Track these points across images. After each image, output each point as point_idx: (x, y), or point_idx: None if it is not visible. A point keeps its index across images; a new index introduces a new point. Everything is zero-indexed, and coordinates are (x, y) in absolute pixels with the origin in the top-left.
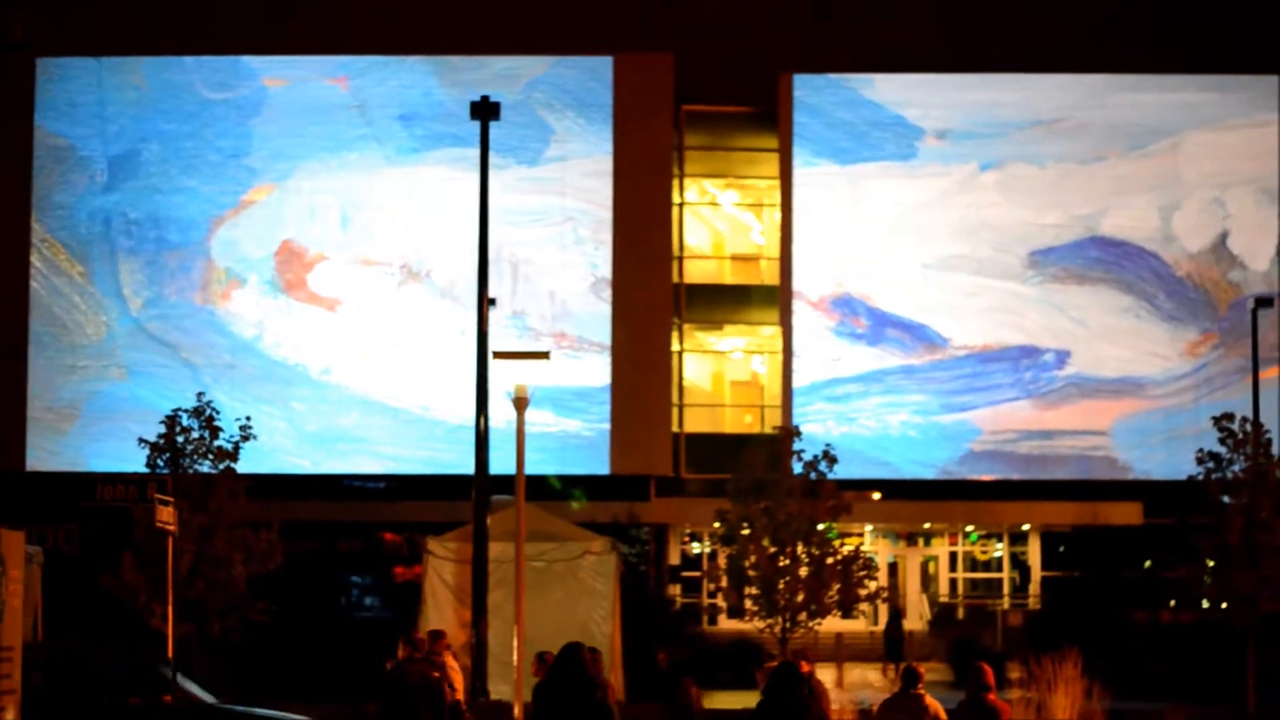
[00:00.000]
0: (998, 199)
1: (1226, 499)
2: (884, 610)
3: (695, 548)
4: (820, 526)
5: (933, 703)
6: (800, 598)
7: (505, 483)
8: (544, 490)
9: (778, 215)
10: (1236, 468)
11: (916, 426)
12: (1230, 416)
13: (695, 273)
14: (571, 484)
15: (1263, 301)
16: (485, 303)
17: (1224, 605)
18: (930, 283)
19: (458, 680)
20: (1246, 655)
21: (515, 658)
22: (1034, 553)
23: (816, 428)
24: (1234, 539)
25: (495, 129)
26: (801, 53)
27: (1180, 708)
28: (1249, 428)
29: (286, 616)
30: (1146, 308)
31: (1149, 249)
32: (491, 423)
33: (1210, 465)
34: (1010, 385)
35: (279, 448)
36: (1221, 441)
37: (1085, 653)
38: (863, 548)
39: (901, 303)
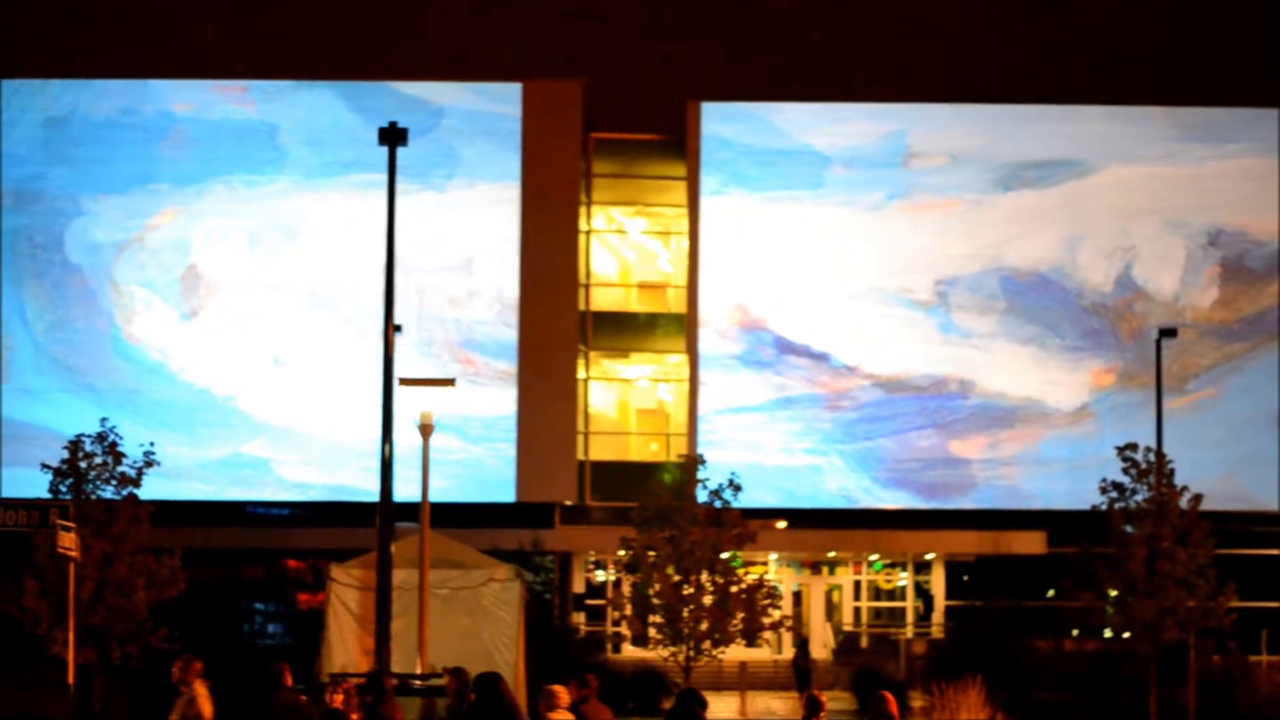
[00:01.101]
0: (904, 229)
1: (1129, 528)
2: (788, 639)
3: (600, 575)
4: (724, 555)
5: None
6: (704, 626)
7: (411, 510)
8: (448, 517)
9: (685, 243)
10: (1139, 497)
11: (822, 455)
12: (1134, 446)
13: (602, 300)
14: (476, 511)
15: (1166, 332)
16: (391, 329)
17: (1126, 634)
18: (837, 312)
19: None
20: (1149, 684)
21: (418, 686)
22: (938, 581)
23: (722, 456)
24: (1136, 568)
25: (403, 155)
26: (710, 81)
27: None
28: (1152, 457)
29: (188, 643)
30: (1052, 338)
31: (1054, 280)
32: (397, 449)
33: (1114, 495)
34: (915, 414)
35: (183, 473)
36: (1125, 471)
37: (988, 682)
38: (767, 576)
39: (808, 332)
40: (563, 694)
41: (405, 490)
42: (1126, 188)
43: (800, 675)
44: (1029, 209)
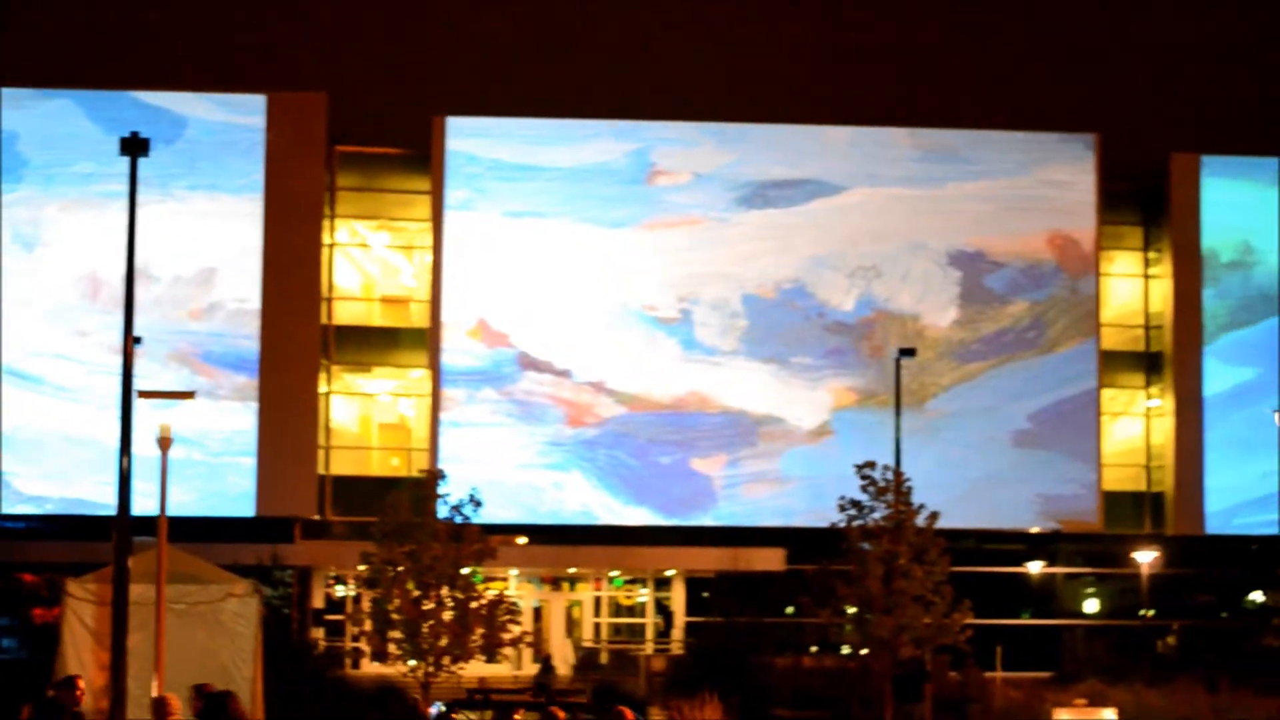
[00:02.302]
0: (648, 246)
1: (867, 546)
2: (529, 654)
3: (340, 591)
4: (465, 570)
5: None
6: (444, 641)
7: (149, 524)
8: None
9: (429, 258)
10: (877, 515)
11: (563, 471)
12: (872, 464)
13: (345, 314)
14: (216, 526)
15: (905, 352)
16: (130, 340)
17: (864, 651)
18: (580, 328)
19: None
20: (885, 700)
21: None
22: (678, 598)
23: (463, 471)
24: (874, 585)
25: (145, 165)
26: (456, 96)
27: None
28: (890, 475)
29: None
30: (793, 356)
31: (796, 298)
32: (136, 462)
33: (852, 512)
34: (657, 431)
35: None
36: (863, 489)
37: (727, 698)
38: (507, 592)
39: (551, 348)
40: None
41: (144, 504)
42: (869, 208)
43: (542, 691)
44: (772, 228)
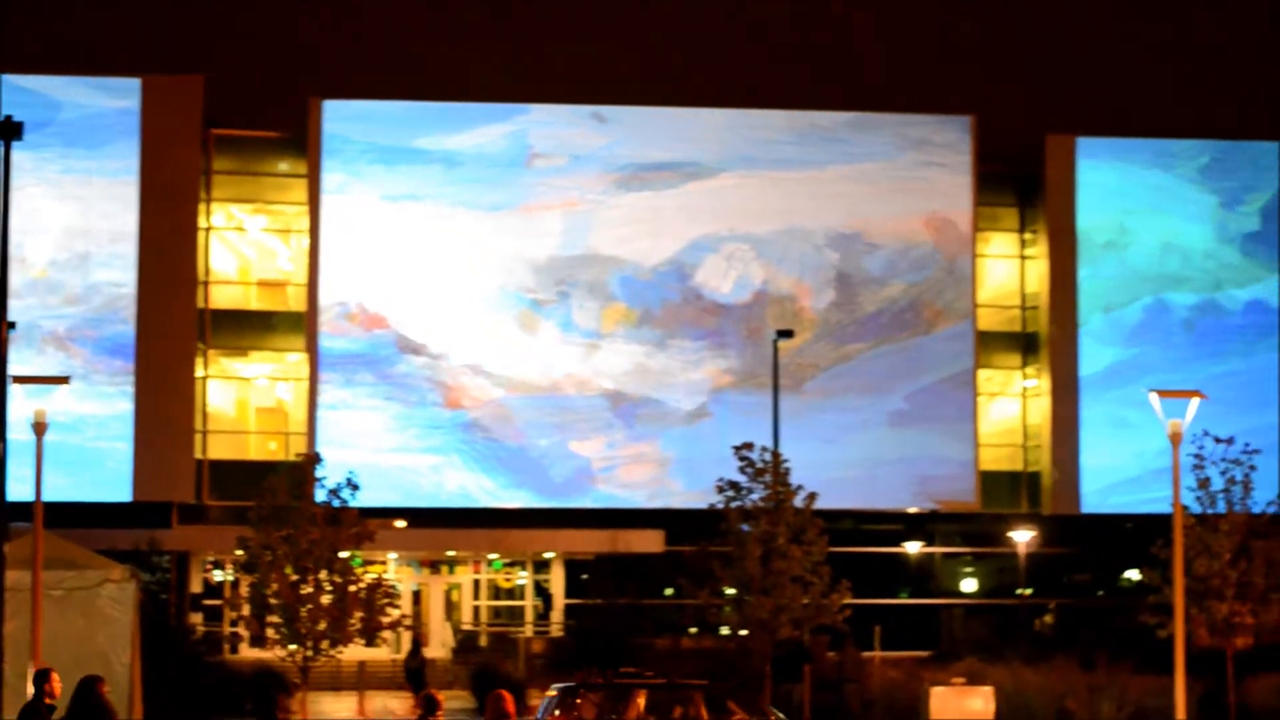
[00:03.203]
0: (526, 229)
1: (746, 527)
2: (407, 638)
3: (218, 575)
4: (343, 554)
5: None
6: (322, 626)
7: (25, 509)
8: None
9: (306, 241)
10: (755, 496)
11: (441, 454)
12: (750, 446)
13: (221, 298)
14: (92, 511)
15: (783, 333)
16: (4, 325)
17: (743, 632)
18: (458, 311)
19: None
20: (764, 681)
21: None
22: (557, 580)
23: (341, 454)
24: (752, 566)
25: (18, 148)
26: (333, 79)
27: None
28: (768, 457)
29: None
30: (671, 338)
31: (674, 280)
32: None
33: (730, 494)
34: (535, 413)
35: None
36: (741, 470)
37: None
38: (386, 576)
39: (429, 331)
40: None
41: (19, 490)
42: (746, 190)
43: (413, 676)
44: (649, 210)
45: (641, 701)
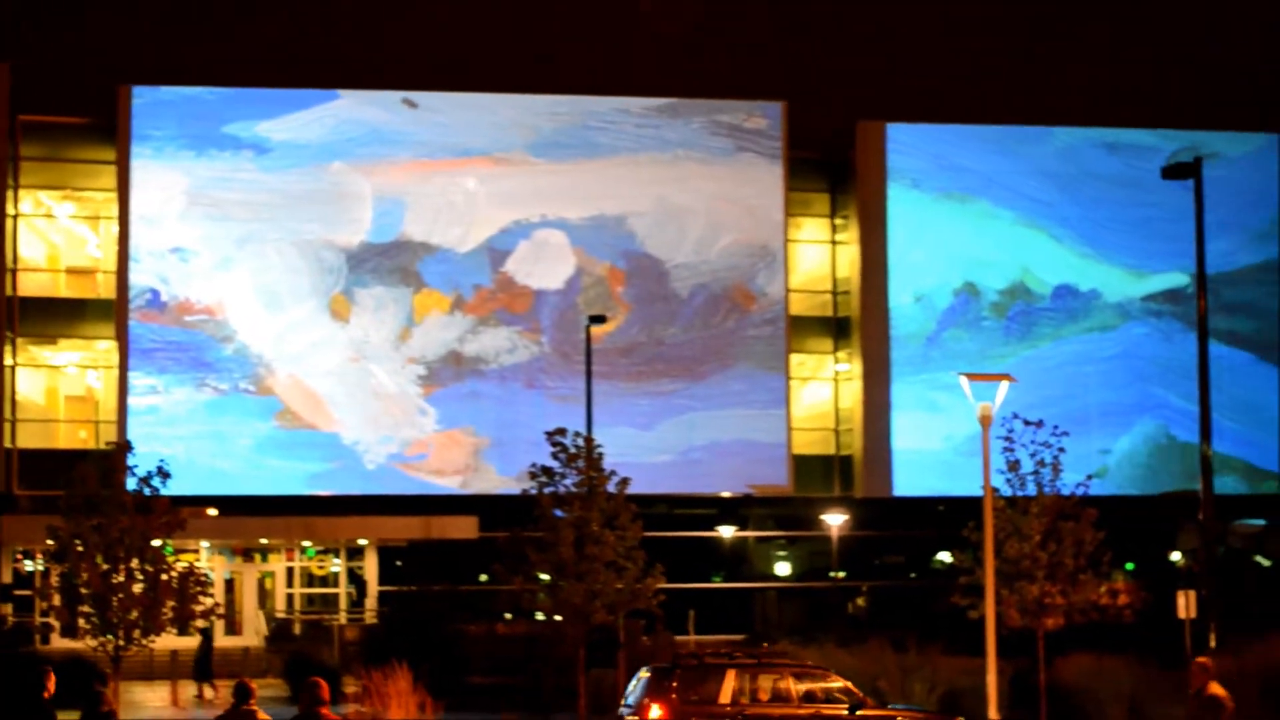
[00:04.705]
0: (336, 215)
1: (559, 512)
2: (221, 626)
3: (28, 565)
4: (155, 543)
5: (265, 718)
6: (134, 615)
7: None
8: None
9: (115, 228)
10: (569, 482)
11: (256, 442)
12: (563, 431)
13: (29, 286)
14: None
15: (595, 319)
16: None
17: (557, 617)
18: (270, 299)
19: None
20: (578, 666)
21: None
22: (371, 567)
23: (153, 443)
24: (566, 552)
25: None
26: (143, 65)
27: (513, 718)
28: (581, 442)
29: None
30: (488, 325)
31: (488, 267)
32: None
33: (544, 479)
34: (351, 400)
35: None
36: (555, 456)
37: (420, 666)
38: (198, 564)
39: (242, 319)
40: None
41: None
42: (559, 176)
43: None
44: (462, 195)
45: (733, 681)
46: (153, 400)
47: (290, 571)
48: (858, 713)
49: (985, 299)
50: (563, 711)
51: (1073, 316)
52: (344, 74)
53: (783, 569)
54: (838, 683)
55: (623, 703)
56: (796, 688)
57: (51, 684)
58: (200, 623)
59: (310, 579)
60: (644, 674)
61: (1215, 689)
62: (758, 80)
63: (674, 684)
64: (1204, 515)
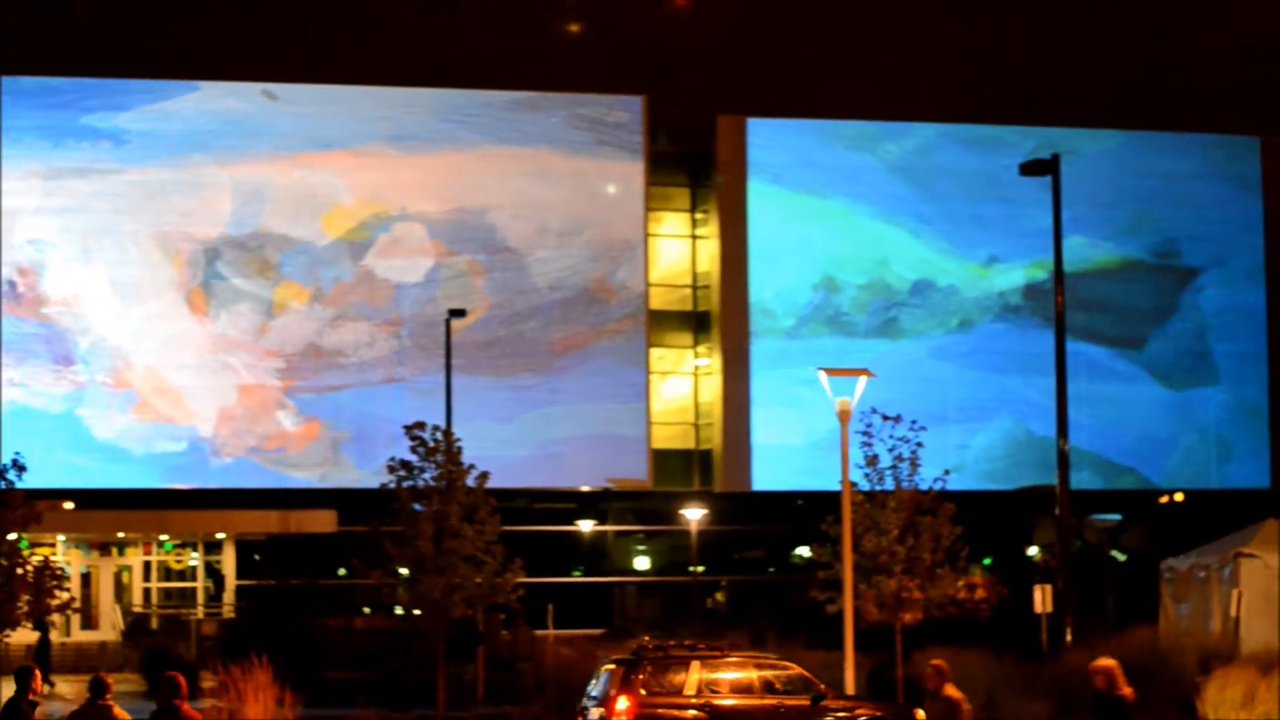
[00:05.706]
0: (195, 207)
1: (418, 506)
2: (77, 621)
3: None
4: (10, 536)
5: (121, 713)
6: None
7: None
8: None
9: None
10: (428, 476)
11: (114, 435)
12: (421, 425)
13: None
14: None
15: (456, 313)
16: None
17: (416, 611)
18: (128, 292)
19: None
20: (437, 661)
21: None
22: (229, 561)
23: (15, 439)
24: (425, 546)
25: None
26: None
27: (371, 713)
28: (440, 436)
29: None
30: (348, 318)
31: (347, 260)
32: None
33: (402, 473)
34: (209, 393)
35: None
36: (413, 450)
37: (278, 660)
38: (54, 557)
39: (99, 311)
40: None
41: None
42: (419, 169)
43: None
44: (322, 187)
45: (698, 672)
46: (9, 392)
47: (147, 565)
48: (820, 704)
49: (845, 294)
50: (421, 706)
51: (931, 312)
52: (204, 65)
53: (642, 563)
54: (797, 672)
55: (586, 695)
56: (759, 678)
57: (39, 685)
58: (56, 617)
59: (168, 573)
60: (608, 666)
61: (950, 690)
62: (618, 74)
63: (640, 676)
64: (1060, 510)
